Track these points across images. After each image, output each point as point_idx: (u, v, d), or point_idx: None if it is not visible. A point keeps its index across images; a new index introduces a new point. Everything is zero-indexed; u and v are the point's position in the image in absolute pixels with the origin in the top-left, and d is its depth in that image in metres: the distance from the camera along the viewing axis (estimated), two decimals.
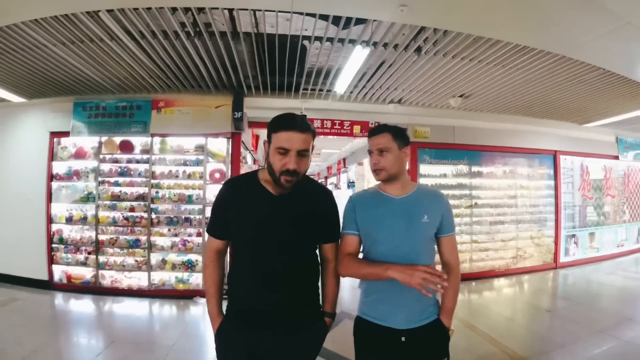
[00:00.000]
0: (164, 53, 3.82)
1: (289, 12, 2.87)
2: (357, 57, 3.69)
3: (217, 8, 2.87)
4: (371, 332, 1.62)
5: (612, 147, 8.21)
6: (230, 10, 3.01)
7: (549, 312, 4.86)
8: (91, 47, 3.67)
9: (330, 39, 3.47)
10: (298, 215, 1.54)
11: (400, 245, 1.59)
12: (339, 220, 1.71)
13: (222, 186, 1.62)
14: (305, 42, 3.65)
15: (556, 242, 7.23)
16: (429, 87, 4.84)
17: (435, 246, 1.71)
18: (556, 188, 7.31)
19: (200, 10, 2.97)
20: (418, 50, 3.57)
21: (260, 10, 2.99)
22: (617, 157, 8.29)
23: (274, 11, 2.96)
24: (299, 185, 1.52)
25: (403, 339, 1.57)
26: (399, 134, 1.63)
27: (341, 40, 3.49)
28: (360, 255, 1.72)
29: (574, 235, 7.51)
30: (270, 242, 1.50)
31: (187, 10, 2.94)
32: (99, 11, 2.84)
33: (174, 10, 2.91)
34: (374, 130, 1.67)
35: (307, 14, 3.03)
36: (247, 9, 2.92)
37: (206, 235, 1.91)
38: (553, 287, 6.31)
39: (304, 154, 1.45)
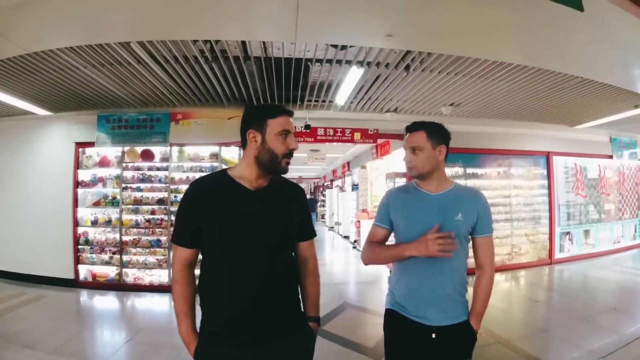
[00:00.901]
0: (184, 73, 4.32)
1: (292, 43, 3.33)
2: (353, 75, 4.18)
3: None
4: (403, 325, 1.61)
5: (606, 146, 8.51)
6: (243, 40, 3.48)
7: (538, 302, 5.25)
8: (119, 69, 4.18)
9: (329, 61, 3.95)
10: (278, 209, 1.46)
11: None
12: (312, 216, 1.67)
13: (189, 187, 1.45)
14: (308, 62, 4.12)
15: (550, 239, 7.58)
16: (421, 98, 5.28)
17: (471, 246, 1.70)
18: (550, 187, 7.67)
19: (217, 40, 3.45)
20: (407, 67, 4.04)
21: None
22: (611, 157, 8.57)
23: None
24: (272, 180, 1.50)
25: (434, 335, 1.56)
26: (434, 131, 1.62)
27: (339, 61, 3.97)
28: None
29: (568, 233, 7.83)
30: (253, 240, 1.38)
31: (206, 40, 3.43)
32: (130, 42, 3.34)
33: (194, 40, 3.40)
34: (410, 127, 1.67)
35: None
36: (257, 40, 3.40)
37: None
38: (545, 281, 6.66)
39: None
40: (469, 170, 6.99)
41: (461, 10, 2.57)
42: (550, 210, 7.62)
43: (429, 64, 3.94)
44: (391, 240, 1.78)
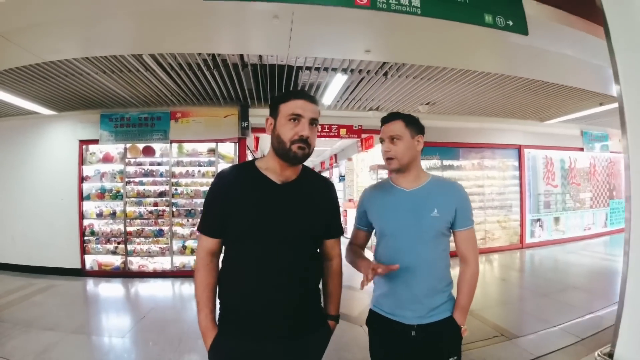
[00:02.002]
0: (186, 77, 4.77)
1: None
2: (338, 80, 4.73)
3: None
4: (382, 325, 1.59)
5: (577, 140, 9.11)
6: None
7: (504, 280, 5.89)
8: (128, 75, 4.61)
9: (317, 68, 4.45)
10: (305, 205, 1.42)
11: (408, 240, 1.54)
12: (340, 213, 1.64)
13: (216, 178, 1.44)
14: (298, 69, 4.61)
15: (522, 225, 8.24)
16: (400, 98, 5.83)
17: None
18: (521, 178, 8.32)
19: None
20: (385, 74, 4.58)
21: None
22: (582, 149, 9.19)
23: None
24: (302, 173, 1.46)
25: (413, 333, 1.52)
26: (411, 121, 1.58)
27: (325, 69, 4.48)
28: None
29: (539, 219, 8.50)
30: (278, 235, 1.34)
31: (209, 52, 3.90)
32: (142, 54, 3.79)
33: (199, 53, 3.86)
34: (386, 118, 1.61)
35: None
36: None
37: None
38: (514, 263, 7.30)
39: (315, 123, 1.39)
40: (446, 162, 7.62)
41: (427, 31, 3.06)
42: (522, 199, 8.27)
43: (404, 71, 4.51)
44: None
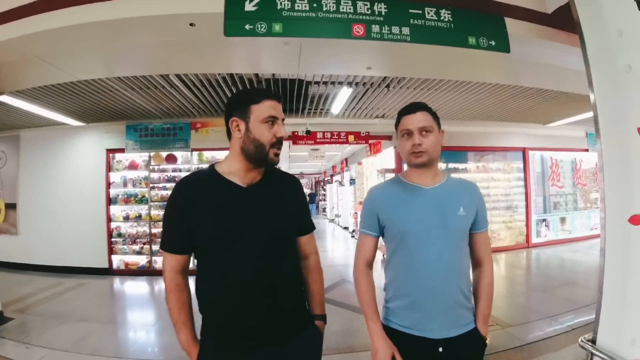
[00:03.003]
0: (206, 92, 5.24)
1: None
2: (344, 93, 5.15)
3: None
4: (403, 343, 1.37)
5: (582, 141, 9.27)
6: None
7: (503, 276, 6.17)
8: (154, 91, 5.11)
9: (325, 82, 4.87)
10: (274, 206, 1.35)
11: (435, 243, 1.36)
12: (309, 209, 1.57)
13: (175, 189, 1.33)
14: (308, 83, 5.04)
15: (527, 226, 8.46)
16: (402, 106, 6.15)
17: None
18: (526, 179, 8.56)
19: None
20: (387, 86, 4.97)
21: None
22: (587, 150, 9.38)
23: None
24: (266, 173, 1.39)
25: (441, 349, 1.35)
26: (434, 114, 1.46)
27: (332, 83, 4.90)
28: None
29: (544, 220, 8.70)
30: (251, 241, 1.27)
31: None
32: (169, 75, 4.26)
33: (219, 73, 4.32)
34: (409, 109, 1.44)
35: None
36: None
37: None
38: (518, 261, 7.52)
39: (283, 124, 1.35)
40: (451, 165, 7.92)
41: (421, 52, 3.41)
42: (527, 200, 8.50)
43: (404, 83, 4.90)
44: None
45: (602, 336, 2.66)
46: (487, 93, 5.56)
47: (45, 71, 3.88)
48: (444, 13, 2.92)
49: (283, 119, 1.35)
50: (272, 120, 1.30)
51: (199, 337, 1.36)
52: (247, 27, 2.52)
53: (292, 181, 1.50)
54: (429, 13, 2.87)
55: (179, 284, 1.33)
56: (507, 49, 3.15)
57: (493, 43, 3.09)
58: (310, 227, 1.53)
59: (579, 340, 2.78)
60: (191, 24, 2.76)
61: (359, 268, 1.53)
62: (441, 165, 7.84)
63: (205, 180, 1.34)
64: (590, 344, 2.70)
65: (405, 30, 2.76)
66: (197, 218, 1.27)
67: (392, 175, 7.59)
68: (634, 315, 2.39)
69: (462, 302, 1.41)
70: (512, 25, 3.20)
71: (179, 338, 1.33)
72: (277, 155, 1.33)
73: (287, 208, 1.40)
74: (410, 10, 2.82)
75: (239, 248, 1.26)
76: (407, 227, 1.41)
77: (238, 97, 1.38)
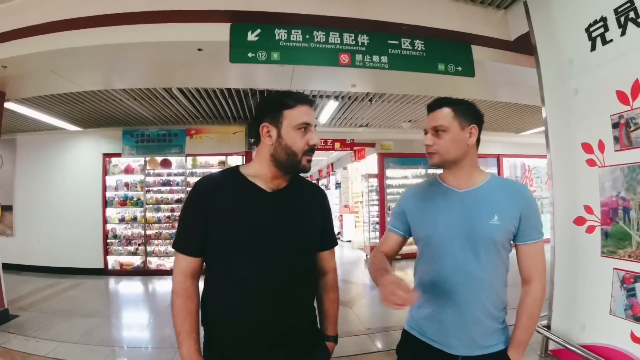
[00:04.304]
0: (202, 102, 5.64)
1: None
2: (331, 105, 5.66)
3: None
4: (421, 352, 1.33)
5: None
6: None
7: None
8: (155, 101, 5.48)
9: (314, 95, 5.33)
10: (298, 214, 1.27)
11: (459, 253, 1.26)
12: (333, 223, 1.46)
13: (196, 187, 1.24)
14: None
15: None
16: (385, 116, 6.76)
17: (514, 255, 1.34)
18: None
19: None
20: (370, 100, 5.47)
21: None
22: None
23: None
24: (291, 180, 1.31)
25: None
26: (462, 109, 1.29)
27: (320, 96, 5.38)
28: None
29: None
30: (270, 249, 1.19)
31: None
32: (171, 88, 4.66)
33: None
34: (432, 105, 1.34)
35: None
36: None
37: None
38: None
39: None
40: (430, 171, 8.47)
41: (398, 73, 3.87)
42: None
43: (386, 98, 5.43)
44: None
45: (555, 323, 3.16)
46: None
47: (55, 82, 4.18)
48: (418, 43, 3.43)
49: (315, 125, 1.27)
50: (305, 126, 1.21)
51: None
52: (249, 55, 2.97)
53: (318, 191, 1.41)
54: (404, 43, 3.37)
55: (187, 289, 1.21)
56: (472, 74, 3.65)
57: (460, 69, 3.60)
58: (333, 242, 1.43)
59: (536, 326, 3.26)
60: (199, 49, 3.19)
61: (373, 253, 1.49)
62: (421, 171, 8.39)
63: (229, 180, 1.26)
64: (545, 329, 3.19)
65: (384, 58, 3.25)
66: (217, 220, 1.17)
67: (375, 180, 8.10)
68: (582, 304, 2.87)
69: (484, 321, 1.25)
70: (479, 52, 3.71)
71: (180, 351, 1.18)
72: (309, 162, 1.25)
73: (311, 218, 1.31)
74: (389, 41, 3.31)
75: (257, 256, 1.17)
76: (431, 231, 1.32)
77: (270, 101, 1.26)
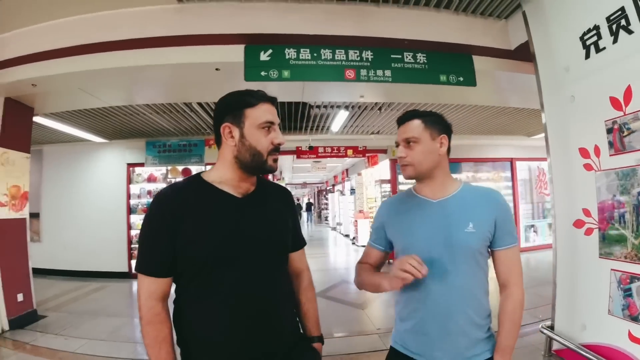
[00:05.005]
0: None
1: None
2: (341, 115, 5.87)
3: None
4: None
5: None
6: None
7: None
8: (176, 114, 5.81)
9: (325, 106, 5.56)
10: (271, 218, 1.23)
11: (438, 263, 1.24)
12: (299, 222, 1.46)
13: (156, 202, 1.13)
14: (310, 106, 5.73)
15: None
16: (395, 124, 6.78)
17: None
18: (513, 187, 9.18)
19: None
20: (380, 108, 5.66)
21: None
22: None
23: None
24: (259, 183, 1.27)
25: None
26: (431, 120, 1.33)
27: (332, 106, 5.59)
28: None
29: (533, 225, 9.27)
30: (248, 257, 1.12)
31: None
32: (191, 102, 4.96)
33: None
34: (402, 118, 1.36)
35: None
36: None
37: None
38: None
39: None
40: None
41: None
42: (515, 207, 9.08)
43: (394, 106, 5.62)
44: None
45: (558, 323, 3.25)
46: (467, 113, 6.24)
47: (81, 98, 4.48)
48: (420, 56, 3.61)
49: (279, 124, 1.24)
50: (268, 125, 1.17)
51: None
52: (262, 73, 3.22)
53: (284, 193, 1.38)
54: (407, 57, 3.56)
55: (158, 314, 1.11)
56: (473, 84, 3.78)
57: (461, 79, 3.74)
58: (302, 242, 1.42)
59: (540, 327, 3.34)
60: (217, 69, 3.46)
61: (358, 266, 1.51)
62: None
63: (193, 190, 1.16)
64: (549, 329, 3.29)
65: (388, 72, 3.45)
66: (187, 232, 1.09)
67: (388, 185, 8.26)
68: (583, 305, 2.96)
69: (469, 330, 1.24)
70: (481, 62, 3.84)
71: None
72: (275, 161, 1.21)
73: (285, 220, 1.29)
74: (392, 55, 3.51)
75: (234, 267, 1.11)
76: (408, 243, 1.32)
77: (230, 99, 1.20)
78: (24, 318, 4.47)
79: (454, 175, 1.44)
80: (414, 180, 1.41)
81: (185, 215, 1.10)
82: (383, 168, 8.90)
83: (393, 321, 1.45)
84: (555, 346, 3.25)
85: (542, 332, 3.29)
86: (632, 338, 2.46)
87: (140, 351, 3.73)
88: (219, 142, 1.21)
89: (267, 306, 1.15)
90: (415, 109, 1.39)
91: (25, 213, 4.63)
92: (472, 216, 1.26)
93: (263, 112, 1.16)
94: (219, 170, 1.20)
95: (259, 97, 1.18)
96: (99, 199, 7.54)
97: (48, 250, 7.38)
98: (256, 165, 1.17)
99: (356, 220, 11.05)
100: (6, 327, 4.18)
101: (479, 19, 3.77)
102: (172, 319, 1.16)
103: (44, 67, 3.59)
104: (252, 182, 1.24)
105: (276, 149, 1.20)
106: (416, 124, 1.31)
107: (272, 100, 1.22)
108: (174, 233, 1.09)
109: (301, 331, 1.37)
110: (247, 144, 1.15)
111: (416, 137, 1.29)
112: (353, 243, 11.60)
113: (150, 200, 6.63)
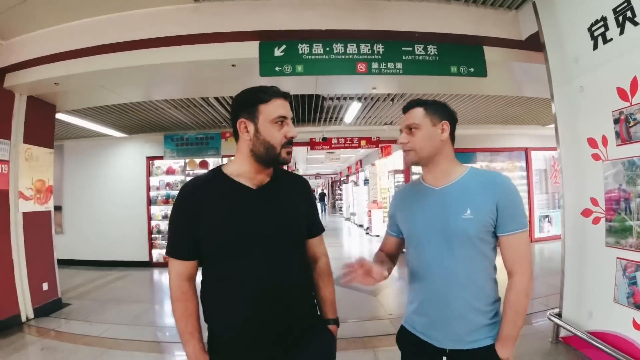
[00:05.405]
0: None
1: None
2: (354, 106, 5.96)
3: None
4: (412, 345, 1.39)
5: None
6: None
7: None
8: (193, 109, 5.99)
9: (338, 98, 5.66)
10: (285, 207, 1.31)
11: (436, 249, 1.30)
12: (318, 210, 1.53)
13: (181, 193, 1.26)
14: (323, 98, 5.83)
15: (530, 222, 8.91)
16: None
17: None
18: (528, 177, 9.07)
19: None
20: (392, 99, 5.72)
21: None
22: None
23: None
24: (275, 174, 1.35)
25: (444, 358, 1.32)
26: (433, 107, 1.36)
27: (344, 98, 5.68)
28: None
29: (547, 216, 9.18)
30: (264, 244, 1.21)
31: None
32: (208, 97, 5.12)
33: None
34: (406, 106, 1.42)
35: None
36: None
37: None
38: None
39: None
40: None
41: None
42: (529, 197, 9.01)
43: (407, 97, 5.63)
44: None
45: (566, 311, 3.32)
46: (485, 100, 6.22)
47: (102, 95, 4.67)
48: (431, 48, 3.67)
49: (292, 118, 1.30)
50: (282, 120, 1.23)
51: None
52: (277, 68, 3.34)
53: (300, 182, 1.46)
54: (418, 49, 3.62)
55: (185, 292, 1.25)
56: (484, 74, 3.81)
57: (472, 70, 3.77)
58: (320, 229, 1.48)
59: (547, 314, 3.41)
60: (233, 65, 3.59)
61: (376, 253, 1.58)
62: None
63: (213, 183, 1.28)
64: (556, 317, 3.36)
65: (399, 65, 3.53)
66: (207, 222, 1.20)
67: (401, 176, 8.33)
68: (590, 293, 3.03)
69: (468, 315, 1.26)
70: (491, 52, 3.85)
71: (186, 351, 1.24)
72: (289, 154, 1.28)
73: (298, 209, 1.36)
74: (403, 48, 3.58)
75: (251, 253, 1.20)
76: (411, 230, 1.39)
77: (245, 96, 1.28)
78: (49, 306, 4.66)
79: (468, 165, 1.44)
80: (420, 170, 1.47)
81: (205, 206, 1.21)
82: (396, 158, 8.96)
83: (404, 307, 1.55)
84: (563, 333, 3.32)
85: (550, 320, 3.36)
86: (637, 326, 2.51)
87: (160, 335, 3.96)
88: (236, 136, 1.29)
89: (281, 291, 1.22)
90: (419, 98, 1.43)
91: (50, 206, 4.84)
92: (471, 202, 1.27)
93: (276, 108, 1.22)
94: (237, 164, 1.29)
95: (272, 93, 1.24)
96: (119, 191, 7.81)
97: (71, 241, 7.63)
98: (270, 158, 1.24)
99: (370, 211, 11.16)
100: (31, 315, 4.37)
101: (490, 9, 3.79)
102: (199, 298, 1.28)
103: (66, 67, 3.77)
104: (268, 174, 1.32)
105: (289, 142, 1.26)
106: (418, 112, 1.35)
107: (284, 96, 1.27)
108: (196, 221, 1.20)
109: (318, 313, 1.43)
110: (262, 138, 1.22)
111: (417, 123, 1.33)
112: (367, 233, 11.74)
113: (169, 191, 6.94)
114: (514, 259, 1.26)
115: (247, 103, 1.25)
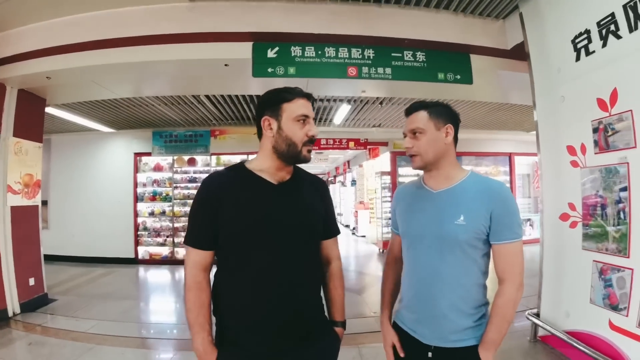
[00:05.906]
0: (227, 106, 6.12)
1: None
2: (344, 108, 6.05)
3: None
4: (403, 341, 1.42)
5: None
6: None
7: None
8: (183, 106, 5.99)
9: (328, 99, 5.73)
10: (304, 205, 1.33)
11: (427, 251, 1.32)
12: (334, 212, 1.54)
13: (204, 184, 1.29)
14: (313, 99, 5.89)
15: None
16: (395, 117, 7.10)
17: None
18: (511, 182, 9.28)
19: None
20: (381, 103, 5.82)
21: None
22: None
23: None
24: (295, 173, 1.38)
25: (430, 354, 1.32)
26: (437, 111, 1.35)
27: (334, 100, 5.76)
28: None
29: (529, 219, 9.41)
30: (280, 239, 1.24)
31: None
32: (199, 95, 5.13)
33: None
34: (408, 109, 1.39)
35: None
36: None
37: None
38: None
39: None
40: None
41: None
42: None
43: (395, 101, 5.76)
44: None
45: (544, 311, 3.44)
46: (471, 106, 6.37)
47: (93, 90, 4.64)
48: (419, 55, 3.77)
49: (314, 118, 1.34)
50: (304, 118, 1.27)
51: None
52: (269, 70, 3.40)
53: (319, 182, 1.48)
54: (407, 55, 3.72)
55: (200, 282, 1.25)
56: (470, 82, 3.92)
57: (459, 77, 3.89)
58: (335, 231, 1.50)
59: (526, 314, 3.52)
60: (226, 65, 3.63)
61: (386, 261, 1.61)
62: None
63: (236, 176, 1.31)
64: (535, 317, 3.48)
65: (388, 70, 3.62)
66: (227, 210, 1.23)
67: (388, 177, 8.44)
68: (567, 294, 3.14)
69: (453, 316, 1.28)
70: (478, 60, 3.97)
71: (194, 343, 1.23)
72: (309, 152, 1.32)
73: (316, 208, 1.38)
74: (392, 54, 3.67)
75: (267, 247, 1.23)
76: (406, 230, 1.41)
77: (270, 96, 1.33)
78: (36, 301, 4.63)
79: (469, 169, 1.44)
80: (421, 173, 1.46)
81: (225, 198, 1.24)
82: (384, 160, 9.06)
83: None
84: (541, 332, 3.43)
85: (529, 319, 3.48)
86: (613, 327, 2.61)
87: (145, 332, 3.98)
88: (260, 134, 1.34)
89: (291, 288, 1.23)
90: (422, 100, 1.40)
91: (37, 200, 4.79)
92: (465, 209, 1.27)
93: (299, 107, 1.26)
94: (259, 160, 1.33)
95: (296, 93, 1.29)
96: (106, 187, 7.75)
97: (56, 237, 7.51)
98: (291, 155, 1.28)
99: (357, 211, 11.24)
100: (17, 310, 4.33)
101: (477, 19, 3.91)
102: (211, 289, 1.30)
103: (59, 61, 3.74)
104: (288, 171, 1.35)
105: (310, 141, 1.30)
106: (422, 115, 1.33)
107: (307, 96, 1.32)
108: (215, 213, 1.22)
109: (326, 314, 1.44)
110: (284, 135, 1.26)
111: (421, 127, 1.32)
112: (353, 233, 11.84)
113: (156, 188, 6.90)
114: (505, 267, 1.27)
115: (271, 101, 1.30)
